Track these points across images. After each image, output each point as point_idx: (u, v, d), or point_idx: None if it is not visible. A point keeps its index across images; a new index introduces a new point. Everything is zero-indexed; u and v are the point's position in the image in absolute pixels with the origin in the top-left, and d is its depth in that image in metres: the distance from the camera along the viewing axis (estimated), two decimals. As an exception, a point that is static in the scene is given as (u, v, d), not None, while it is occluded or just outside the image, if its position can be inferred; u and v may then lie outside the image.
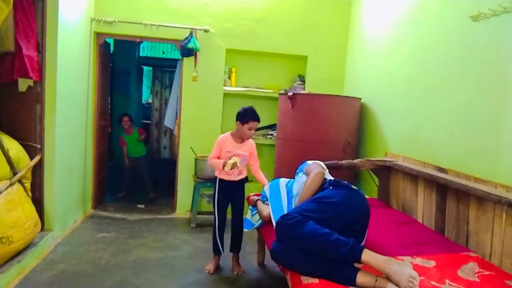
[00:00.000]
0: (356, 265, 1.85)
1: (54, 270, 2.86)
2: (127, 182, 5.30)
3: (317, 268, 1.87)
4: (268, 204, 2.68)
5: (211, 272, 3.01)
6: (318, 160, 2.69)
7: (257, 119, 2.91)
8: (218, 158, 2.98)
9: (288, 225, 1.99)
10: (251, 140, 3.07)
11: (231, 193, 3.06)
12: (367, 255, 1.81)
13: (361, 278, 1.79)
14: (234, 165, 2.85)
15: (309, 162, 2.65)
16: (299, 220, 1.98)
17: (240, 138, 2.99)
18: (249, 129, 2.91)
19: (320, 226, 1.94)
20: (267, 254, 2.88)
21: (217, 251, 3.09)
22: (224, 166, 2.86)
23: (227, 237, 3.14)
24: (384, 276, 1.76)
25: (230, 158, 2.89)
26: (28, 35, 2.94)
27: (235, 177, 3.01)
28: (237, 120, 2.94)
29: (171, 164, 5.49)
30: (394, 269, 1.72)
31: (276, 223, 2.09)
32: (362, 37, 4.26)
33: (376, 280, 1.76)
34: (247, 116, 2.89)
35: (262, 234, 2.94)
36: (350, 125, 3.80)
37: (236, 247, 3.11)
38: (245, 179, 3.11)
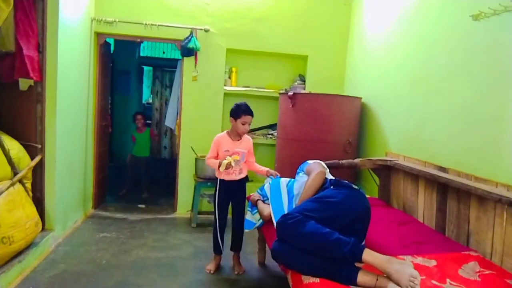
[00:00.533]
0: (357, 264, 1.85)
1: (55, 270, 2.86)
2: (129, 181, 5.33)
3: (318, 268, 1.87)
4: (268, 204, 2.68)
5: (212, 272, 3.01)
6: (319, 159, 2.69)
7: (249, 113, 2.89)
8: (216, 157, 2.98)
9: (289, 225, 1.99)
10: (248, 137, 3.07)
11: (232, 193, 3.06)
12: (368, 255, 1.81)
13: (362, 277, 1.79)
14: (228, 165, 2.83)
15: (310, 161, 2.65)
16: (300, 219, 1.98)
17: (237, 135, 2.97)
18: (243, 124, 2.88)
19: (321, 225, 1.94)
20: (268, 253, 2.88)
21: (217, 251, 3.09)
22: (219, 166, 2.86)
23: (228, 237, 3.14)
24: (385, 275, 1.76)
25: (226, 157, 2.89)
26: (28, 35, 2.94)
27: (236, 176, 3.00)
28: (230, 117, 2.93)
29: (172, 164, 5.51)
30: (395, 269, 1.72)
31: (277, 223, 2.09)
32: (362, 36, 4.26)
33: (377, 279, 1.76)
34: (239, 111, 2.88)
35: (262, 234, 2.94)
36: (351, 124, 3.80)
37: (237, 246, 3.11)
38: (246, 179, 3.11)
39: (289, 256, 1.98)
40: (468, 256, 2.15)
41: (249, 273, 3.07)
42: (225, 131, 3.04)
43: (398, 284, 1.68)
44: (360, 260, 1.81)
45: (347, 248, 1.82)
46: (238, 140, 2.99)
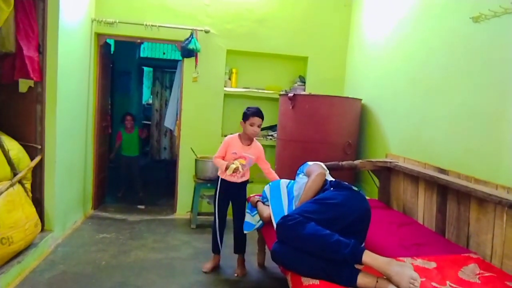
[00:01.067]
0: (357, 266, 1.85)
1: (54, 271, 2.86)
2: (124, 182, 5.33)
3: (317, 269, 1.86)
4: (268, 205, 2.68)
5: (207, 270, 3.02)
6: (319, 161, 2.69)
7: (257, 114, 2.88)
8: (223, 158, 2.98)
9: (289, 226, 1.99)
10: (258, 144, 3.05)
11: (232, 194, 3.06)
12: (368, 256, 1.80)
13: (361, 279, 1.78)
14: (236, 170, 2.83)
15: (310, 163, 2.64)
16: (300, 221, 1.97)
17: (247, 140, 2.97)
18: (251, 125, 2.87)
19: (321, 227, 1.94)
20: (268, 255, 2.88)
21: (216, 250, 3.11)
22: (226, 168, 2.85)
23: (228, 238, 3.14)
24: (385, 277, 1.76)
25: (234, 160, 2.89)
26: (28, 36, 2.94)
27: (238, 179, 3.00)
28: (241, 121, 2.95)
29: (171, 165, 5.50)
30: (395, 271, 1.71)
31: (277, 224, 2.08)
32: (362, 38, 4.26)
33: (377, 281, 1.76)
34: (248, 113, 2.90)
35: (262, 235, 2.94)
36: (351, 126, 3.80)
37: (239, 249, 3.11)
38: (247, 181, 3.11)
39: (289, 258, 1.98)
40: (468, 258, 2.15)
41: (248, 275, 3.06)
42: (237, 134, 3.02)
43: (398, 286, 1.68)
44: (360, 262, 1.81)
45: (347, 250, 1.81)
46: (248, 145, 2.98)
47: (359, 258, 1.80)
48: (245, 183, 3.09)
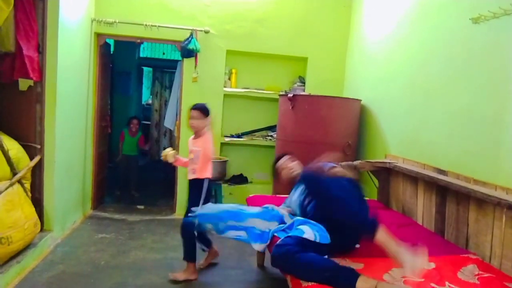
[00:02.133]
0: (356, 268, 1.85)
1: (54, 271, 2.85)
2: (121, 181, 5.33)
3: (317, 275, 1.87)
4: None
5: (202, 266, 3.04)
6: (318, 161, 2.67)
7: (193, 107, 2.95)
8: None
9: (282, 259, 2.00)
10: (207, 137, 2.95)
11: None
12: (382, 235, 1.87)
13: (361, 283, 1.78)
14: (164, 157, 2.96)
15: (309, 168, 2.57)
16: (291, 252, 1.98)
17: (196, 134, 3.01)
18: (191, 118, 2.95)
19: (315, 254, 1.97)
20: (267, 255, 2.88)
21: (206, 246, 3.11)
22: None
23: (226, 239, 3.13)
24: (384, 281, 1.77)
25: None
26: (28, 36, 2.94)
27: (190, 175, 2.98)
28: None
29: (171, 165, 5.48)
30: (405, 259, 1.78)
31: (271, 256, 2.10)
32: (362, 39, 4.27)
33: (376, 286, 1.76)
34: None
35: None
36: (350, 126, 3.80)
37: (184, 255, 2.88)
38: (204, 181, 2.91)
39: (289, 263, 1.97)
40: (467, 259, 2.16)
41: (248, 275, 3.06)
42: None
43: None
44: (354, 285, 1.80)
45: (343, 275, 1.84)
46: (196, 138, 3.01)
47: (353, 281, 1.80)
48: (199, 182, 2.91)
